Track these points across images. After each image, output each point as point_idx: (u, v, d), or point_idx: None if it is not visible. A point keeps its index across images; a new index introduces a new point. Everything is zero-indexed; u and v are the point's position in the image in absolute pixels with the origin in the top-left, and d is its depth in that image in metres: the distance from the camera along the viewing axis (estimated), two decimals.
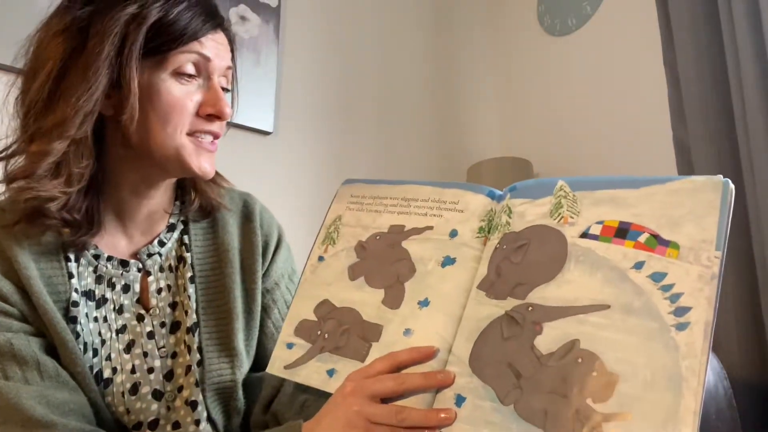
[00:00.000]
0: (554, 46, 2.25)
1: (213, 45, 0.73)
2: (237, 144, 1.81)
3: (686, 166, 1.60)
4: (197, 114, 0.73)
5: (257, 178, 1.83)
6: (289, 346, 0.70)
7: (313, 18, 2.07)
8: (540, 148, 2.25)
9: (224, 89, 0.77)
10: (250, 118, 1.83)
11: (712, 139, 1.54)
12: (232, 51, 0.79)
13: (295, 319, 0.71)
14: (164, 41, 0.70)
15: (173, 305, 0.79)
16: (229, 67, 0.77)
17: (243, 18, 1.86)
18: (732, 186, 0.53)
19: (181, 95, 0.71)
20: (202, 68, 0.73)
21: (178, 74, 0.71)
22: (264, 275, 0.85)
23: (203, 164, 0.75)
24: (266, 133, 1.89)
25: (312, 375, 0.66)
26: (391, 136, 2.18)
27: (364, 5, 2.21)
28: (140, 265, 0.79)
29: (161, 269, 0.80)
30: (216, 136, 0.76)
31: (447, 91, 2.36)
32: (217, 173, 0.83)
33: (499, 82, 2.47)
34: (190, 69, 0.72)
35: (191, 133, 0.73)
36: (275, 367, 0.70)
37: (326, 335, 0.67)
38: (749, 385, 1.39)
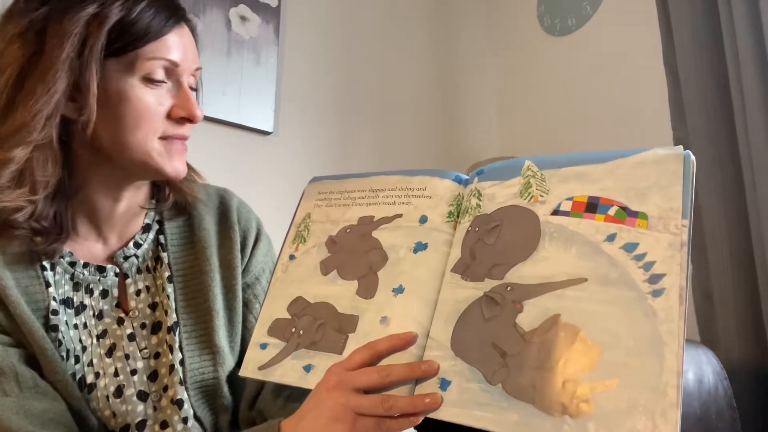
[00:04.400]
0: (554, 46, 2.25)
1: (180, 44, 0.72)
2: (237, 144, 1.79)
3: None
4: (169, 117, 0.72)
5: (257, 178, 1.82)
6: (263, 346, 0.68)
7: (313, 18, 2.06)
8: (540, 148, 2.24)
9: (192, 89, 0.76)
10: (250, 118, 1.82)
11: (712, 139, 1.54)
12: (195, 42, 0.77)
13: (268, 319, 0.69)
14: (128, 41, 0.68)
15: (153, 306, 0.78)
16: (198, 68, 0.75)
17: (243, 18, 1.85)
18: (693, 158, 0.55)
19: (152, 101, 0.70)
20: (172, 72, 0.72)
21: (148, 80, 0.70)
22: (244, 270, 0.84)
23: (176, 165, 0.74)
24: (266, 133, 1.88)
25: (288, 373, 0.64)
26: (390, 136, 2.18)
27: (364, 5, 2.21)
28: (117, 269, 0.77)
29: (139, 271, 0.79)
30: (185, 138, 0.75)
31: (447, 91, 2.37)
32: (190, 168, 0.82)
33: (499, 82, 2.47)
34: (159, 75, 0.70)
35: (164, 137, 0.72)
36: (249, 370, 0.68)
37: (301, 332, 0.65)
38: (749, 384, 1.40)
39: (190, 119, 0.73)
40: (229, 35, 1.82)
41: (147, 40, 0.68)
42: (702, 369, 1.24)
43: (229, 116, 1.75)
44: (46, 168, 0.67)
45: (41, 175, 0.67)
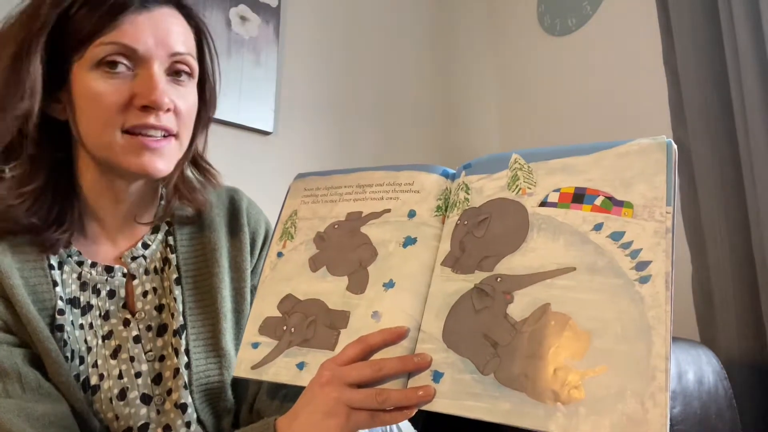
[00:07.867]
0: (554, 46, 2.24)
1: (140, 30, 0.66)
2: (237, 144, 1.80)
3: (686, 166, 1.58)
4: (133, 106, 0.67)
5: (257, 178, 1.81)
6: (255, 345, 0.68)
7: (313, 18, 2.07)
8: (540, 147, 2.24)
9: (181, 73, 0.70)
10: (250, 118, 1.82)
11: (712, 139, 1.53)
12: (199, 32, 0.74)
13: (259, 317, 0.69)
14: (87, 31, 0.65)
15: (159, 308, 0.77)
16: (175, 53, 0.69)
17: (243, 18, 1.86)
18: (675, 146, 0.56)
19: (105, 90, 0.66)
20: (133, 59, 0.67)
21: (103, 69, 0.66)
22: (251, 271, 0.83)
23: (144, 161, 0.68)
24: (266, 133, 1.88)
25: (281, 371, 0.64)
26: (391, 136, 2.18)
27: (364, 5, 2.21)
28: (125, 270, 0.76)
29: (146, 272, 0.78)
30: (164, 130, 0.69)
31: (447, 91, 2.37)
32: (206, 170, 0.81)
33: (499, 81, 2.46)
34: (114, 59, 0.66)
35: (131, 130, 0.67)
36: (242, 369, 0.68)
37: (293, 329, 0.66)
38: (749, 384, 1.39)
39: (152, 107, 0.67)
40: (229, 35, 1.83)
41: (101, 29, 0.65)
42: (702, 369, 1.23)
43: (228, 116, 1.76)
44: (14, 163, 0.68)
45: (30, 178, 0.68)
